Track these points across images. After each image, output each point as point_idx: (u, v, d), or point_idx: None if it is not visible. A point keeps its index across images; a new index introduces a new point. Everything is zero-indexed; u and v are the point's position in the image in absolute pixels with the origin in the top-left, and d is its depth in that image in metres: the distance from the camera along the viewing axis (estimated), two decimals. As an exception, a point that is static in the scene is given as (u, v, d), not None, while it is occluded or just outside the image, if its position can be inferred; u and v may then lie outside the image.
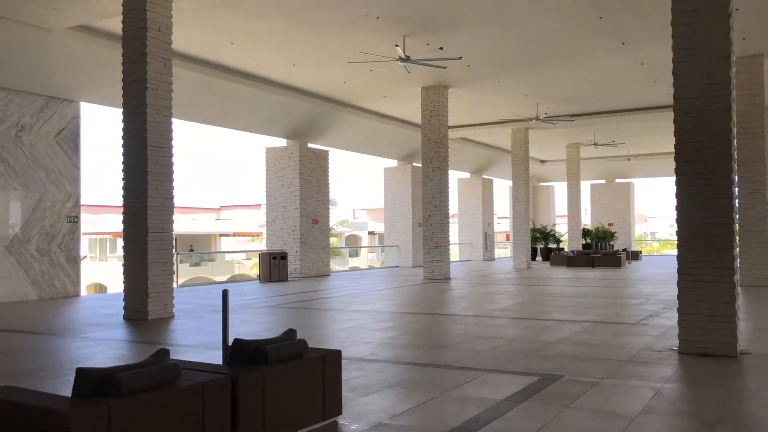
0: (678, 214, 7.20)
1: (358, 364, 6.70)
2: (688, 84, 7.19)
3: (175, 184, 11.32)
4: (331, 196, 23.37)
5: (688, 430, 4.59)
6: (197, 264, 43.56)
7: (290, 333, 4.64)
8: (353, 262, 53.89)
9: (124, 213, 11.10)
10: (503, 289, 16.76)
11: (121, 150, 11.14)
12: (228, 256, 45.06)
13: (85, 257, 15.90)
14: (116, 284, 36.00)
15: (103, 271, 38.46)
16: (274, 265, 19.71)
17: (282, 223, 21.61)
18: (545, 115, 21.79)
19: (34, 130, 14.82)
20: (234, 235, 46.48)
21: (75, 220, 15.52)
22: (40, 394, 3.55)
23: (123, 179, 11.07)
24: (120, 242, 43.89)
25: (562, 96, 20.73)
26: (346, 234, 55.18)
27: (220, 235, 46.23)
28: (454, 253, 33.97)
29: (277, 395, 4.16)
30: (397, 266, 27.67)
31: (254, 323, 10.28)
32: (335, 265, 46.59)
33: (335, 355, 4.75)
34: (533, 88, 19.80)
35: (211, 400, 3.74)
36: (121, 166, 11.14)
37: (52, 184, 15.12)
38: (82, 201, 16.10)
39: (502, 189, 37.61)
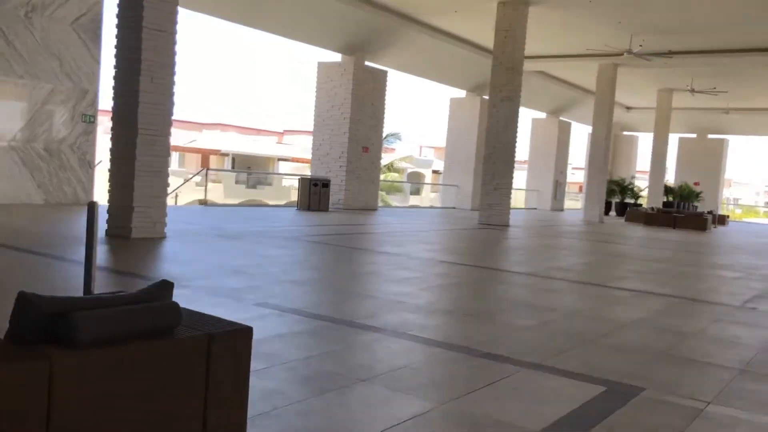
0: None
1: (335, 334, 4.65)
2: None
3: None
4: (396, 129, 21.27)
5: None
6: (253, 187, 42.40)
7: (162, 288, 2.58)
8: (414, 200, 51.91)
9: (112, 110, 9.21)
10: (568, 243, 14.38)
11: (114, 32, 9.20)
12: (285, 181, 43.67)
13: (100, 162, 14.31)
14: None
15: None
16: (314, 193, 17.79)
17: (328, 148, 19.60)
18: (639, 47, 18.75)
19: (47, 12, 13.06)
20: (293, 160, 44.90)
21: (91, 120, 13.87)
22: None
23: (114, 67, 9.15)
24: (176, 157, 42.90)
25: (662, 26, 17.63)
26: (409, 170, 52.96)
27: (279, 159, 44.68)
28: (519, 200, 31.46)
29: (92, 412, 2.13)
30: (454, 208, 25.43)
31: (253, 256, 8.35)
32: (394, 201, 44.74)
33: (240, 336, 2.67)
34: (629, 14, 16.82)
35: None
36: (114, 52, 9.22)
37: (66, 77, 13.43)
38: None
39: (579, 136, 34.49)
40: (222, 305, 5.18)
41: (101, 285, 5.33)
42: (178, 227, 10.64)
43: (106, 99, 15.22)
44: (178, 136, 43.81)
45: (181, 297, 2.84)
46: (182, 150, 41.29)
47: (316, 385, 3.48)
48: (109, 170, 9.24)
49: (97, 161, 14.25)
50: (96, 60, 13.85)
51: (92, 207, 3.04)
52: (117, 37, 9.09)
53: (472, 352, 4.40)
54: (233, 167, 42.93)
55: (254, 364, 2.74)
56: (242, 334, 2.59)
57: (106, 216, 9.28)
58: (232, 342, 2.53)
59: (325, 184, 18.07)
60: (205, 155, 42.12)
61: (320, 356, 4.01)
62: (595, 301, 6.96)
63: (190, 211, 15.79)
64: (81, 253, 7.44)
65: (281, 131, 54.17)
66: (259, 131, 51.74)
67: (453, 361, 4.24)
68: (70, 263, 6.82)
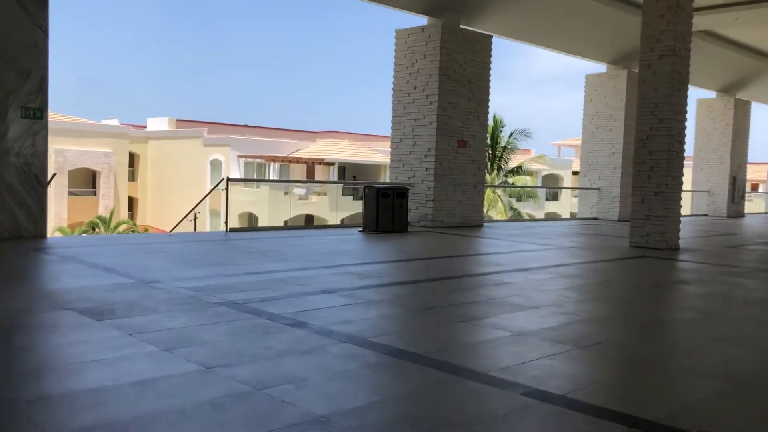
0: None
1: None
2: None
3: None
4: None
5: None
6: (362, 198, 37.96)
7: None
8: (551, 206, 45.43)
9: None
10: (794, 285, 8.21)
11: None
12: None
13: (54, 176, 9.95)
14: (266, 216, 31.30)
15: (253, 201, 33.92)
16: (384, 207, 12.69)
17: (411, 144, 14.40)
18: None
19: (-42, -41, 8.88)
20: (407, 166, 40.12)
21: (38, 116, 9.58)
22: None
23: None
24: (273, 167, 39.48)
25: None
26: (544, 173, 46.40)
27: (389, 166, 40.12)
28: (684, 205, 24.59)
29: None
30: (596, 218, 19.35)
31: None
32: (528, 210, 38.55)
33: None
34: None
35: None
36: None
37: (-7, 53, 9.21)
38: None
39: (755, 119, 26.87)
40: None
41: None
42: (98, 283, 5.92)
43: (58, 84, 10.89)
44: (284, 147, 40.40)
45: None
46: (284, 160, 37.63)
47: None
48: None
49: (50, 175, 9.96)
50: (40, 27, 9.54)
51: None
52: None
53: None
54: (342, 177, 38.75)
55: None
56: None
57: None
58: None
59: (401, 193, 12.89)
60: (310, 166, 38.25)
61: None
62: None
63: (197, 242, 11.20)
64: None
65: (400, 136, 49.67)
66: (374, 137, 47.46)
67: None
68: None
